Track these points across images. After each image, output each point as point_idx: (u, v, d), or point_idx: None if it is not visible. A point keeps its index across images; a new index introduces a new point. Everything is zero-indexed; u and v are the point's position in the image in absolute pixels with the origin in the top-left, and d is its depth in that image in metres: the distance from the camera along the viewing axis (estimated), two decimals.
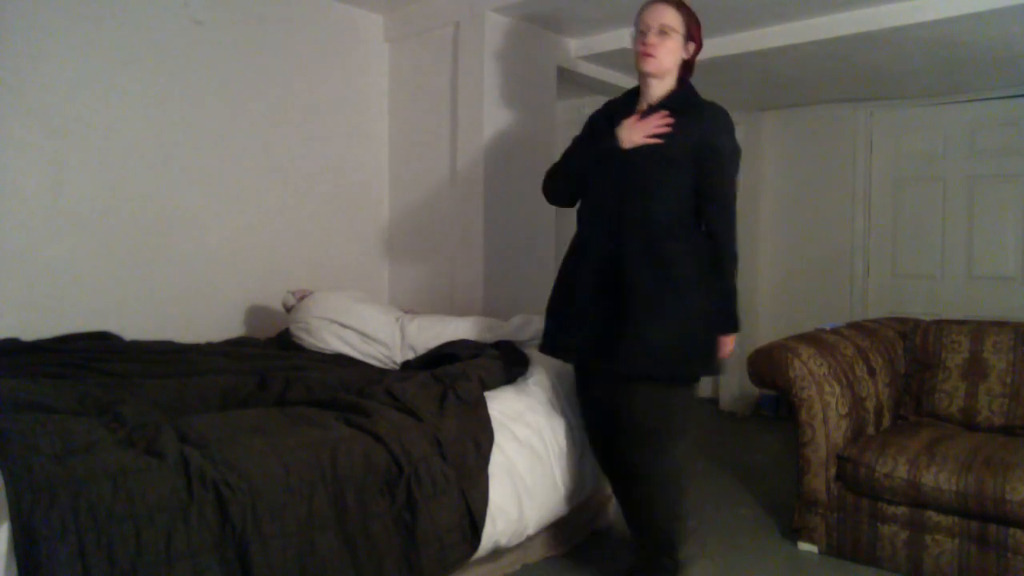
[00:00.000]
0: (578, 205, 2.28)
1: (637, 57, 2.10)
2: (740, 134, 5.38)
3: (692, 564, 2.34)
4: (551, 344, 2.23)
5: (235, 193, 3.16)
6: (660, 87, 2.12)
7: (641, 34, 2.09)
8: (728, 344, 2.12)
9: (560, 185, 2.31)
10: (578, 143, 2.28)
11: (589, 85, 3.99)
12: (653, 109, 2.10)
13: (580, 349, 2.14)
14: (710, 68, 3.73)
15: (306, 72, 3.40)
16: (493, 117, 3.25)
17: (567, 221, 4.37)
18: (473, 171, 3.27)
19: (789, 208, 4.94)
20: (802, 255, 4.88)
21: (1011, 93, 4.10)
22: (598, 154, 2.15)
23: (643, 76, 2.12)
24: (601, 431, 2.23)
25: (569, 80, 3.78)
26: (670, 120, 2.05)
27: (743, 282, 5.19)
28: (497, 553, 2.12)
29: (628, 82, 3.90)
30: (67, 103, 2.67)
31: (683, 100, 2.11)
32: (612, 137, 2.09)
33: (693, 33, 2.13)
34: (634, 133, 2.07)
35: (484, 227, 3.24)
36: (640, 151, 2.06)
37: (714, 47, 3.55)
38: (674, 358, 2.03)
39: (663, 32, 2.06)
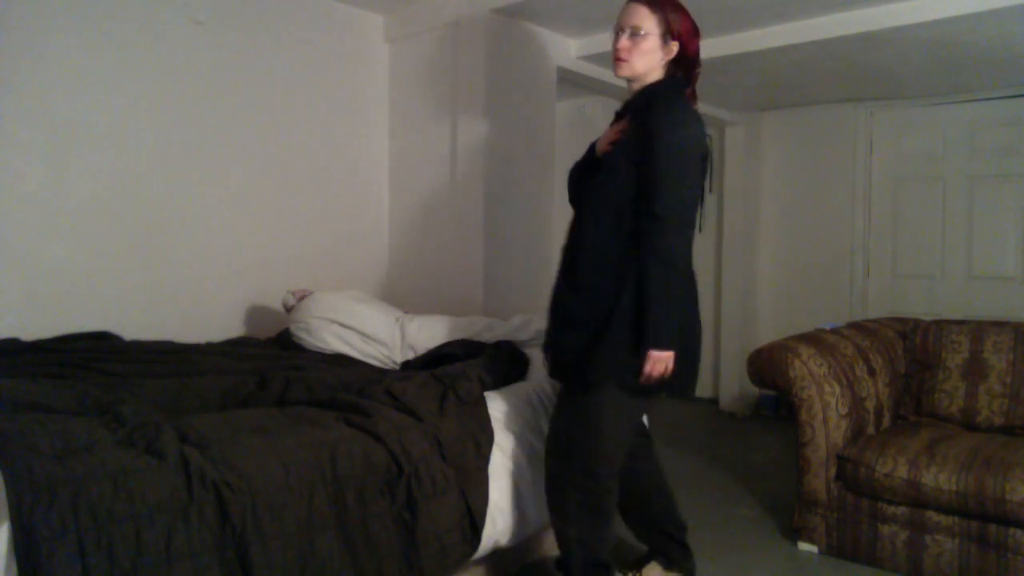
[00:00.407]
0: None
1: (613, 60, 1.98)
2: (740, 134, 5.35)
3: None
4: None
5: (235, 193, 3.16)
6: (637, 86, 1.99)
7: (616, 37, 1.97)
8: (655, 363, 1.80)
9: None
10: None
11: (589, 85, 3.99)
12: (620, 114, 2.02)
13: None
14: (710, 68, 3.71)
15: (306, 72, 3.40)
16: (493, 117, 3.25)
17: (565, 223, 4.34)
18: (473, 171, 3.27)
19: (789, 208, 4.94)
20: (802, 255, 4.88)
21: (1011, 93, 4.10)
22: (579, 166, 2.11)
23: (629, 83, 2.01)
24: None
25: (569, 80, 3.78)
26: (627, 122, 1.93)
27: (744, 282, 5.13)
28: (497, 553, 2.12)
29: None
30: (67, 103, 2.67)
31: (645, 99, 1.94)
32: (592, 148, 2.05)
33: (675, 30, 1.94)
34: (602, 141, 1.99)
35: (484, 227, 3.24)
36: (602, 158, 1.98)
37: (714, 47, 3.55)
38: (583, 361, 1.87)
39: (635, 34, 1.92)
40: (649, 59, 1.94)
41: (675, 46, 1.96)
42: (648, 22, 1.92)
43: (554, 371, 2.02)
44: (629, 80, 1.99)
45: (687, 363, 1.89)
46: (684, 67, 2.00)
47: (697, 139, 1.91)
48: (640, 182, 1.85)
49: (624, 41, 1.93)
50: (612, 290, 1.87)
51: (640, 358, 1.80)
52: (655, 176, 1.83)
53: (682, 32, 1.96)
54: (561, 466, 1.96)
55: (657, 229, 1.82)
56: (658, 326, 1.80)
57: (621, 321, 1.84)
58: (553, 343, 1.99)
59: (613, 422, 1.92)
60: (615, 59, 1.96)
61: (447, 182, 3.45)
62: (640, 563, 2.30)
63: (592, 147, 2.08)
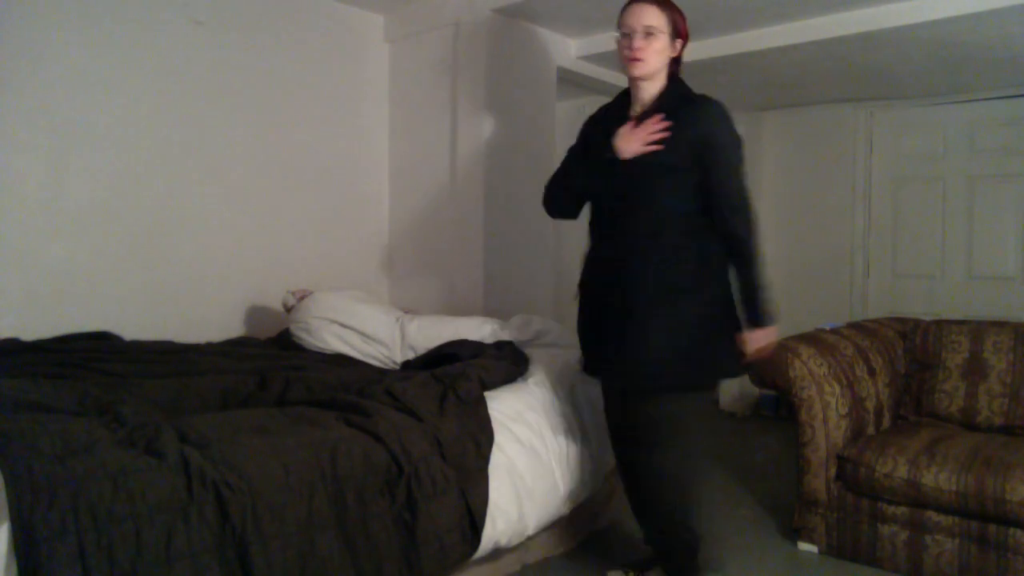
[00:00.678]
0: (588, 218, 2.21)
1: (624, 61, 2.03)
2: (740, 134, 5.33)
3: (715, 571, 2.33)
4: (583, 362, 2.22)
5: (235, 193, 3.16)
6: (651, 88, 2.05)
7: (625, 37, 2.01)
8: (757, 340, 2.02)
9: (561, 200, 2.23)
10: (573, 155, 2.22)
11: (589, 85, 3.99)
12: (647, 113, 2.01)
13: (593, 365, 2.15)
14: (710, 68, 3.73)
15: (306, 72, 3.40)
16: (493, 117, 3.25)
17: (566, 222, 4.35)
18: (473, 171, 3.27)
19: (789, 208, 4.94)
20: (802, 255, 4.87)
21: (1011, 93, 4.10)
22: (598, 168, 2.07)
23: (633, 79, 2.05)
24: (614, 435, 2.23)
25: (569, 80, 3.78)
26: (666, 124, 1.96)
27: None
28: (497, 553, 2.12)
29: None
30: (67, 103, 2.67)
31: (676, 99, 2.03)
32: (609, 149, 2.01)
33: (680, 28, 2.04)
34: (631, 142, 1.98)
35: (484, 227, 3.24)
36: (639, 161, 1.98)
37: (714, 47, 3.55)
38: (670, 370, 1.97)
39: (649, 33, 1.98)
40: (662, 57, 2.02)
41: (679, 44, 2.05)
42: (660, 21, 1.99)
43: (627, 380, 2.05)
44: (639, 79, 2.03)
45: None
46: (676, 66, 2.09)
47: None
48: (708, 179, 1.97)
49: (640, 41, 1.98)
50: (700, 287, 1.99)
51: (743, 342, 2.02)
52: (727, 173, 1.98)
53: (684, 32, 2.06)
54: (662, 457, 2.06)
55: (740, 220, 1.97)
56: (768, 307, 2.01)
57: (703, 325, 1.99)
58: (630, 354, 2.00)
59: (699, 415, 2.16)
60: (631, 59, 2.00)
61: (447, 182, 3.45)
62: (644, 566, 2.31)
63: (597, 142, 2.09)
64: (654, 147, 1.96)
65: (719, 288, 2.03)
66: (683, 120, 1.97)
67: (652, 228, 2.00)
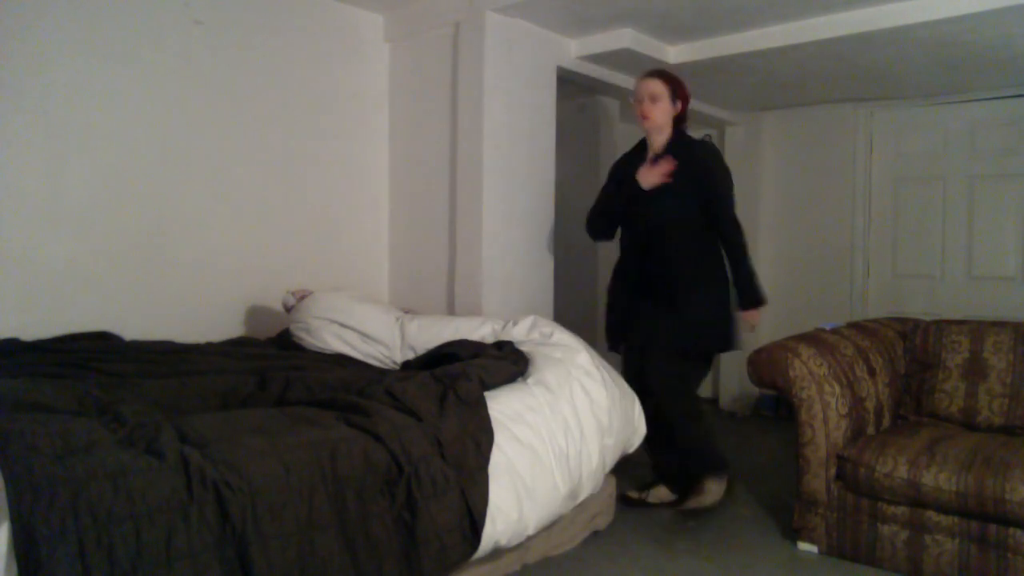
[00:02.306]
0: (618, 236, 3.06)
1: (638, 119, 2.89)
2: (740, 134, 5.43)
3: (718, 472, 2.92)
4: (610, 343, 3.07)
5: (235, 193, 3.16)
6: (661, 136, 2.89)
7: (637, 101, 2.87)
8: (753, 316, 2.87)
9: (601, 225, 3.04)
10: (607, 192, 3.02)
11: (589, 85, 3.99)
12: (659, 156, 2.84)
13: (628, 339, 2.96)
14: (710, 68, 3.74)
15: (306, 72, 3.40)
16: (493, 117, 3.25)
17: (566, 222, 4.39)
18: (473, 171, 3.27)
19: (789, 208, 4.94)
20: (802, 255, 4.88)
21: (1011, 93, 4.10)
22: (629, 197, 2.86)
23: (650, 134, 2.91)
24: (636, 384, 2.80)
25: (569, 80, 3.78)
26: (674, 162, 2.77)
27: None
28: (497, 553, 2.12)
29: (628, 82, 3.92)
30: (67, 103, 2.67)
31: (680, 143, 2.87)
32: (635, 183, 2.83)
33: (679, 93, 2.88)
34: (649, 177, 2.80)
35: (484, 227, 3.24)
36: (657, 190, 2.80)
37: (714, 47, 3.55)
38: (691, 339, 2.84)
39: (654, 99, 2.84)
40: (666, 115, 2.87)
41: (679, 104, 2.89)
42: (661, 90, 2.85)
43: (652, 337, 2.85)
44: (649, 131, 2.91)
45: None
46: (681, 118, 2.92)
47: None
48: (706, 200, 2.81)
49: (647, 104, 2.85)
50: (707, 277, 2.86)
51: (738, 319, 2.88)
52: (720, 194, 2.83)
53: (683, 95, 2.91)
54: (677, 401, 2.86)
55: (734, 228, 2.84)
56: (759, 291, 2.85)
57: (713, 308, 2.85)
58: (664, 327, 2.83)
59: (700, 371, 3.05)
60: (642, 117, 2.87)
61: (447, 182, 3.45)
62: (649, 486, 3.03)
63: (628, 178, 2.89)
64: (666, 179, 2.77)
65: (724, 277, 2.86)
66: (686, 158, 2.79)
67: (675, 236, 2.81)
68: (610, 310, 3.04)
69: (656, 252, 2.84)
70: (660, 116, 2.84)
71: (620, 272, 3.00)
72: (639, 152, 2.98)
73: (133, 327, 2.77)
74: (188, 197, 3.01)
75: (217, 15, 3.07)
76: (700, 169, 2.80)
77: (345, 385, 2.24)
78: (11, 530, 1.28)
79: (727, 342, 2.89)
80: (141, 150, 2.87)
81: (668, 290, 2.79)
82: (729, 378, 5.04)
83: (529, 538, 2.20)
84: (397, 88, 3.71)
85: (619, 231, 3.06)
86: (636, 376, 2.83)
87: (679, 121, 2.90)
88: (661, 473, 3.03)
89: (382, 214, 3.75)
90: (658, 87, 2.84)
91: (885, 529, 2.43)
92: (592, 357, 2.55)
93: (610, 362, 2.70)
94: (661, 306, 2.81)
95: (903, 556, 2.39)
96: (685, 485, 2.93)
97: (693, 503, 2.86)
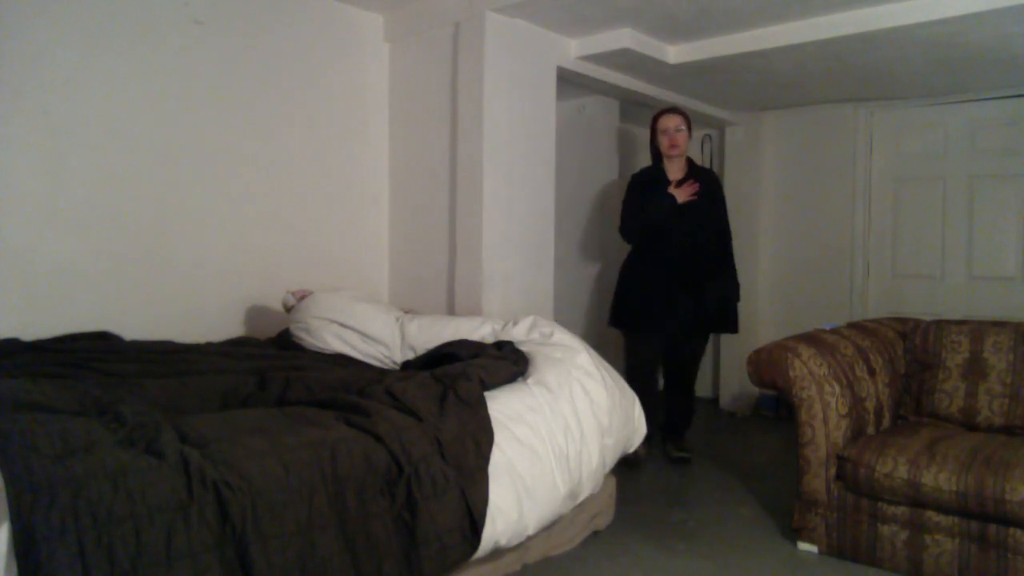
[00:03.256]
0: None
1: (665, 148, 3.59)
2: (740, 134, 5.46)
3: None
4: (645, 325, 3.65)
5: (235, 193, 3.16)
6: (680, 162, 3.63)
7: (664, 133, 3.57)
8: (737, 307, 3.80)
9: (637, 232, 3.64)
10: (634, 205, 3.64)
11: (589, 85, 3.99)
12: (682, 180, 3.58)
13: (667, 323, 3.59)
14: (710, 68, 3.74)
15: (306, 72, 3.40)
16: (493, 117, 3.24)
17: (566, 223, 4.36)
18: (473, 171, 3.27)
19: (789, 208, 4.94)
20: (802, 255, 4.88)
21: (1011, 93, 4.10)
22: (670, 209, 3.53)
23: (670, 158, 3.60)
24: (656, 358, 3.72)
25: (569, 80, 3.78)
26: (698, 184, 3.56)
27: (744, 281, 5.30)
28: (497, 553, 2.12)
29: (627, 82, 3.92)
30: (67, 103, 2.67)
31: (698, 170, 3.68)
32: (671, 197, 3.52)
33: (690, 126, 3.63)
34: (682, 194, 3.53)
35: (484, 227, 3.24)
36: (691, 204, 3.54)
37: (714, 47, 3.55)
38: (717, 322, 3.70)
39: (679, 131, 3.55)
40: (686, 143, 3.61)
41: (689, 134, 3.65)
42: (683, 124, 3.59)
43: (700, 324, 3.63)
44: (676, 157, 3.61)
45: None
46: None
47: None
48: (716, 215, 3.66)
49: (676, 134, 3.56)
50: (728, 273, 3.72)
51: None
52: (724, 212, 3.73)
53: (690, 128, 3.66)
54: (697, 366, 3.78)
55: (729, 239, 3.73)
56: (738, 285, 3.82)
57: (732, 294, 3.74)
58: (702, 307, 3.58)
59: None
60: (672, 146, 3.57)
61: (447, 182, 3.45)
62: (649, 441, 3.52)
63: (659, 192, 3.56)
64: (695, 196, 3.54)
65: (734, 274, 3.75)
66: (703, 181, 3.59)
67: (708, 242, 3.60)
68: (639, 298, 3.63)
69: (696, 255, 3.56)
70: (685, 144, 3.56)
71: (655, 269, 3.58)
72: (655, 174, 3.65)
73: (133, 327, 2.77)
74: (188, 197, 3.01)
75: (217, 15, 3.07)
76: (715, 190, 3.66)
77: (345, 385, 2.24)
78: (11, 530, 1.28)
79: (736, 324, 3.75)
80: (141, 150, 2.87)
81: (705, 282, 3.58)
82: (729, 378, 5.04)
83: (529, 538, 2.20)
84: (397, 88, 3.71)
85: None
86: (671, 350, 3.69)
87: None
88: (668, 424, 3.80)
89: (382, 214, 3.75)
90: (681, 121, 3.55)
91: (885, 529, 2.43)
92: (592, 357, 2.55)
93: (609, 356, 2.70)
94: (699, 296, 3.56)
95: (903, 556, 2.39)
96: (668, 435, 3.80)
97: (677, 453, 3.70)
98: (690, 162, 3.65)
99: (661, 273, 3.55)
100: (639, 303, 3.61)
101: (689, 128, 3.58)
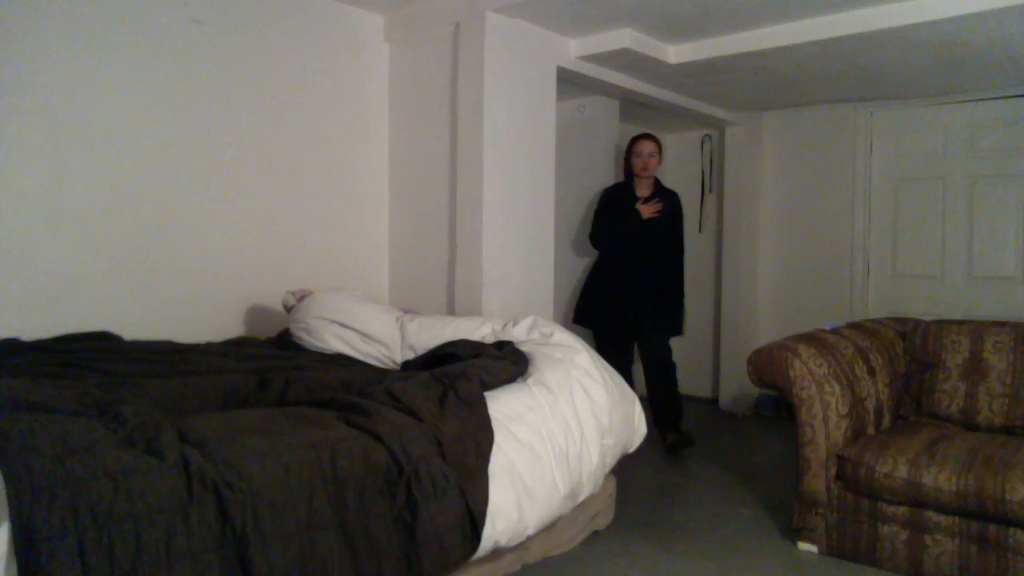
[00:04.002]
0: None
1: (638, 170, 3.97)
2: (740, 134, 5.47)
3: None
4: (597, 322, 4.03)
5: (235, 193, 3.16)
6: (648, 183, 4.02)
7: (638, 156, 3.96)
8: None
9: (606, 242, 4.02)
10: (604, 217, 4.04)
11: (589, 85, 3.99)
12: (649, 198, 3.98)
13: (621, 323, 3.95)
14: (710, 68, 3.74)
15: (306, 72, 3.40)
16: (493, 117, 3.24)
17: (566, 223, 4.36)
18: (473, 171, 3.27)
19: (789, 208, 4.94)
20: (802, 255, 4.88)
21: (1011, 93, 4.10)
22: (635, 224, 3.92)
23: (641, 178, 4.00)
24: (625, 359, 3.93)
25: (569, 80, 3.78)
26: (661, 203, 3.97)
27: (744, 282, 5.33)
28: (497, 553, 2.12)
29: (627, 82, 3.92)
30: (67, 103, 2.66)
31: (662, 190, 4.07)
32: (636, 213, 3.91)
33: (661, 152, 4.03)
34: (646, 211, 3.92)
35: (484, 227, 3.24)
36: (654, 220, 3.94)
37: (714, 47, 3.55)
38: (676, 323, 4.06)
39: (651, 155, 3.95)
40: (657, 166, 4.00)
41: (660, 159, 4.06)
42: (655, 149, 3.97)
43: (655, 325, 3.93)
44: (646, 178, 4.01)
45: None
46: None
47: None
48: (675, 232, 4.04)
49: (648, 158, 3.95)
50: (679, 281, 4.07)
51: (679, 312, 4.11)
52: (680, 230, 4.09)
53: (661, 152, 4.07)
54: (671, 362, 3.96)
55: (681, 254, 4.11)
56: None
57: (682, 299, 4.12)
58: (657, 310, 3.95)
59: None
60: (644, 168, 3.96)
61: (447, 182, 3.45)
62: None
63: (625, 208, 3.97)
64: (658, 214, 3.94)
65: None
66: (666, 200, 4.01)
67: (668, 253, 4.02)
68: (595, 298, 4.03)
69: (658, 264, 3.97)
70: (655, 168, 3.98)
71: (617, 274, 3.98)
72: (624, 190, 4.06)
73: (133, 327, 2.77)
74: (188, 197, 3.01)
75: (217, 15, 3.07)
76: (676, 209, 4.07)
77: (345, 385, 2.24)
78: (11, 530, 1.28)
79: (681, 327, 4.13)
80: (141, 150, 2.87)
81: (667, 288, 3.99)
82: (729, 378, 5.04)
83: (529, 538, 2.20)
84: (397, 88, 3.71)
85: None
86: (642, 350, 3.97)
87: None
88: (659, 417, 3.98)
89: (382, 214, 3.75)
90: (655, 147, 3.96)
91: (885, 529, 2.43)
92: (592, 357, 2.55)
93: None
94: (661, 300, 3.97)
95: (903, 556, 2.39)
96: (662, 430, 3.94)
97: (677, 437, 3.90)
98: (657, 182, 4.04)
99: (618, 278, 3.94)
100: (595, 303, 4.02)
101: (660, 153, 3.99)
